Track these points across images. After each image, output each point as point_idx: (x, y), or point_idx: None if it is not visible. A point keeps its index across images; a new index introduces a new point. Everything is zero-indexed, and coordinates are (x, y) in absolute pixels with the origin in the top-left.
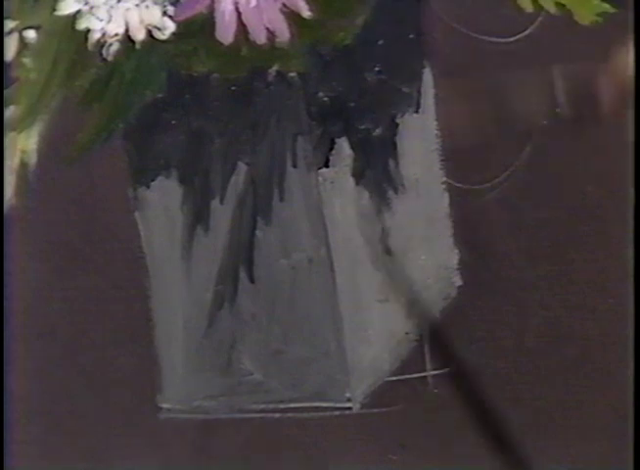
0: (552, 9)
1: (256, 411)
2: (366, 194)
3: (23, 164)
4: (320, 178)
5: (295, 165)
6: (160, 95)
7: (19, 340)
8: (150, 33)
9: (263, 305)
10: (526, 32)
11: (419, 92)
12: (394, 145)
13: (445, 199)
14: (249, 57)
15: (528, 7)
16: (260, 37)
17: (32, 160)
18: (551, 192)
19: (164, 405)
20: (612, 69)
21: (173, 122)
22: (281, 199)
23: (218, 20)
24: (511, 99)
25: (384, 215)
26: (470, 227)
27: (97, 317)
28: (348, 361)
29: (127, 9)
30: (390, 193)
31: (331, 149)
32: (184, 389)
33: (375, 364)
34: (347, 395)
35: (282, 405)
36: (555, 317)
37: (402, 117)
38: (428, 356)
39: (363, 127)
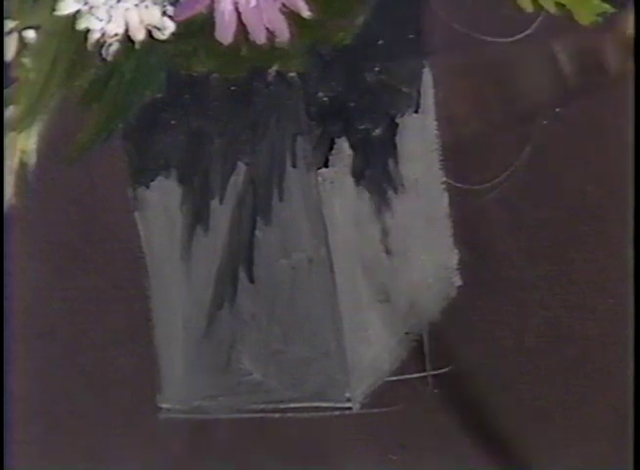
0: (552, 9)
1: (256, 411)
2: (366, 194)
3: (23, 164)
4: (320, 178)
5: (294, 165)
6: (159, 95)
7: (19, 340)
8: (149, 33)
9: (263, 306)
10: (527, 32)
11: (419, 92)
12: (394, 145)
13: (445, 199)
14: (248, 57)
15: (528, 7)
16: (260, 37)
17: (32, 160)
18: (551, 192)
19: (164, 405)
20: (614, 34)
21: (173, 122)
22: (280, 199)
23: (218, 20)
24: (515, 75)
25: (384, 215)
26: (470, 227)
27: (97, 317)
28: (348, 361)
29: (127, 9)
30: (390, 193)
31: (330, 149)
32: (184, 389)
33: (375, 364)
34: (347, 395)
35: (282, 405)
36: (555, 317)
37: (402, 116)
38: (428, 356)
39: (363, 127)
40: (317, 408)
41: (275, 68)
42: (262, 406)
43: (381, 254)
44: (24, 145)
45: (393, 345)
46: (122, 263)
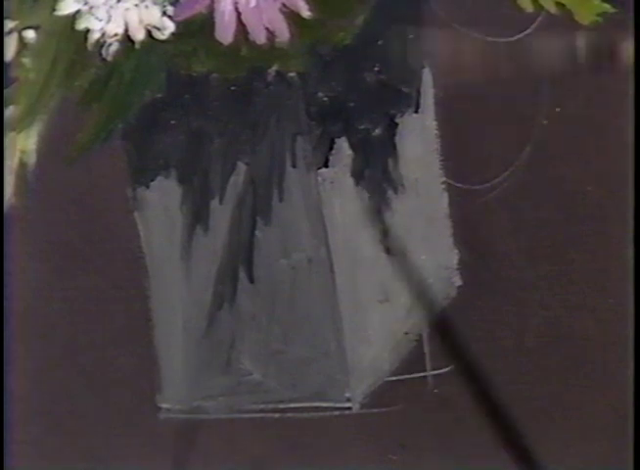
0: (552, 9)
1: (256, 411)
2: (366, 194)
3: (23, 164)
4: (320, 178)
5: (294, 165)
6: (159, 95)
7: (19, 340)
8: (149, 33)
9: (263, 306)
10: (527, 32)
11: (418, 92)
12: (394, 145)
13: (445, 199)
14: (248, 57)
15: (528, 7)
16: (260, 37)
17: (32, 160)
18: (551, 192)
19: (164, 405)
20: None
21: (173, 122)
22: (280, 199)
23: (218, 20)
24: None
25: (383, 215)
26: (470, 227)
27: (97, 317)
28: (348, 361)
29: (127, 9)
30: (390, 193)
31: (330, 149)
32: (184, 389)
33: (375, 364)
34: (347, 395)
35: (282, 405)
36: (555, 317)
37: (402, 116)
38: (428, 356)
39: (362, 127)
40: (317, 408)
41: (275, 68)
42: (262, 406)
43: (381, 254)
44: (24, 145)
45: (393, 345)
46: (122, 263)
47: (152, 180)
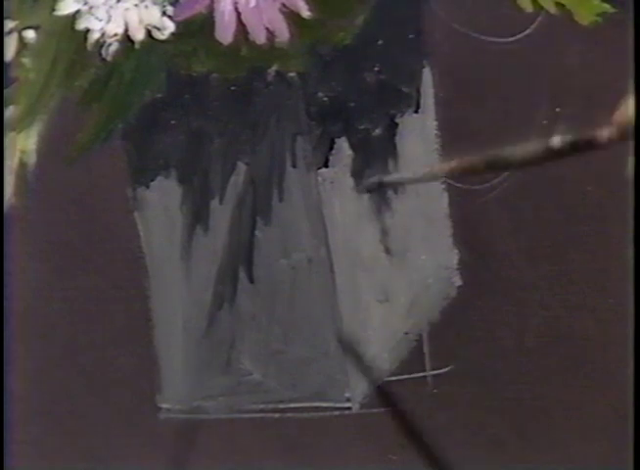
0: (552, 9)
1: (256, 411)
2: (366, 194)
3: (23, 164)
4: (320, 178)
5: (294, 165)
6: (159, 95)
7: (19, 340)
8: (149, 33)
9: (263, 306)
10: (526, 32)
11: (418, 92)
12: (394, 145)
13: (445, 199)
14: (248, 57)
15: (528, 7)
16: (260, 37)
17: (32, 160)
18: (551, 192)
19: (164, 405)
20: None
21: (173, 122)
22: (280, 199)
23: (218, 20)
24: None
25: (384, 215)
26: (470, 227)
27: (97, 317)
28: (348, 361)
29: (127, 9)
30: (390, 193)
31: (330, 149)
32: (184, 389)
33: (375, 364)
34: (347, 395)
35: (282, 405)
36: (555, 317)
37: (402, 116)
38: (428, 356)
39: (363, 127)
40: (317, 408)
41: (275, 68)
42: (262, 406)
43: (381, 254)
44: (24, 145)
45: (393, 345)
46: (122, 263)
47: (152, 180)
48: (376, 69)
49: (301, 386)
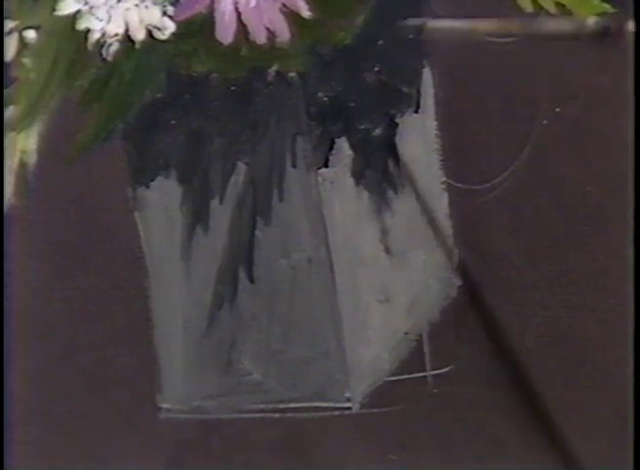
0: (552, 9)
1: (256, 411)
2: (366, 194)
3: (23, 164)
4: (320, 178)
5: (294, 165)
6: (159, 95)
7: (19, 340)
8: (150, 33)
9: (263, 305)
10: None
11: (418, 92)
12: (394, 145)
13: (445, 199)
14: (248, 57)
15: (528, 7)
16: (260, 37)
17: (32, 160)
18: (551, 192)
19: (164, 405)
20: None
21: (173, 122)
22: (280, 199)
23: (218, 20)
24: None
25: (384, 215)
26: (470, 227)
27: (97, 317)
28: (348, 361)
29: (127, 9)
30: (390, 193)
31: (330, 149)
32: (184, 389)
33: (375, 364)
34: (347, 395)
35: (282, 405)
36: (555, 317)
37: (402, 116)
38: (428, 356)
39: (363, 127)
40: (317, 408)
41: (275, 68)
42: (262, 406)
43: (381, 254)
44: (24, 145)
45: (393, 345)
46: (122, 263)
47: (152, 180)
48: (376, 69)
49: (301, 386)
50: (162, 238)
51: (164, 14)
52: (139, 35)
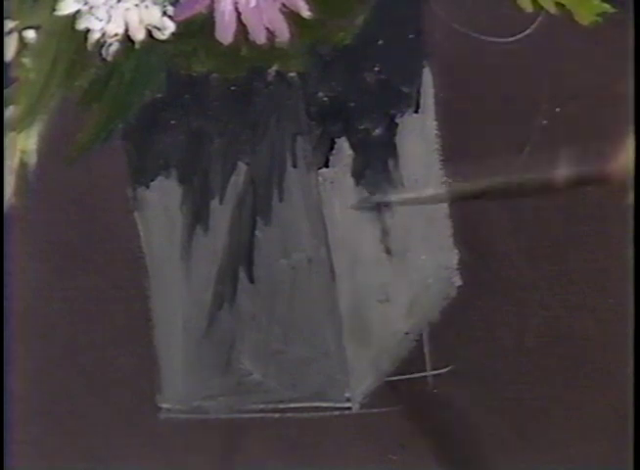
0: (552, 9)
1: (256, 411)
2: (366, 194)
3: (23, 164)
4: (320, 178)
5: (294, 165)
6: (159, 95)
7: (19, 340)
8: (149, 33)
9: (263, 306)
10: (527, 32)
11: (419, 92)
12: (394, 145)
13: None
14: (248, 57)
15: (528, 7)
16: (260, 37)
17: (32, 160)
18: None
19: (164, 405)
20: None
21: (173, 122)
22: (280, 199)
23: (218, 20)
24: None
25: (384, 215)
26: (470, 227)
27: (97, 317)
28: (348, 361)
29: (127, 9)
30: (390, 193)
31: (331, 149)
32: (184, 389)
33: (375, 364)
34: (347, 395)
35: (282, 405)
36: (555, 317)
37: (402, 116)
38: (428, 356)
39: (363, 127)
40: (317, 408)
41: (275, 68)
42: (262, 406)
43: (381, 254)
44: (24, 145)
45: (393, 345)
46: (122, 263)
47: (152, 180)
48: (376, 69)
49: (301, 386)
50: (162, 238)
51: (164, 14)
52: (139, 35)
